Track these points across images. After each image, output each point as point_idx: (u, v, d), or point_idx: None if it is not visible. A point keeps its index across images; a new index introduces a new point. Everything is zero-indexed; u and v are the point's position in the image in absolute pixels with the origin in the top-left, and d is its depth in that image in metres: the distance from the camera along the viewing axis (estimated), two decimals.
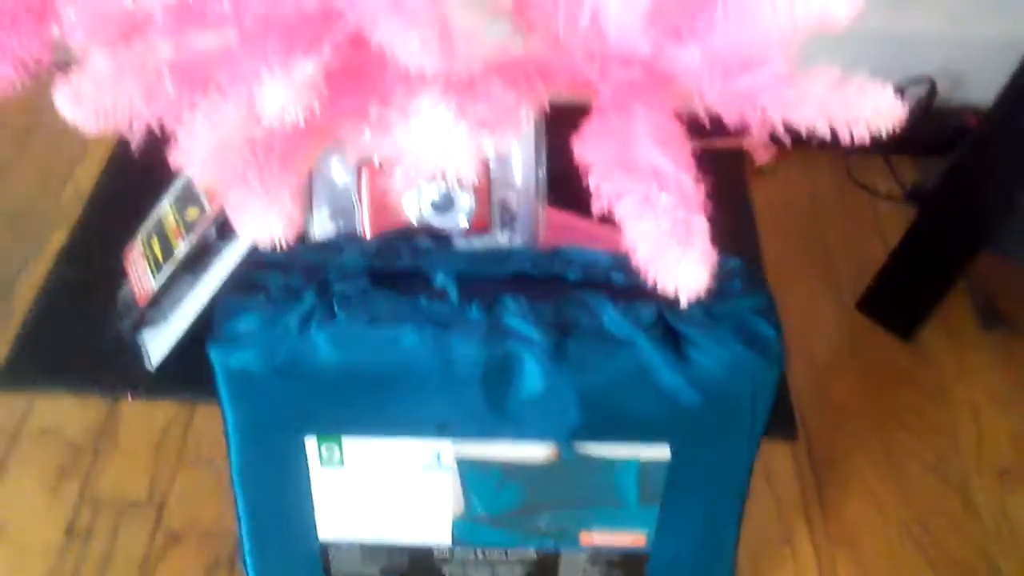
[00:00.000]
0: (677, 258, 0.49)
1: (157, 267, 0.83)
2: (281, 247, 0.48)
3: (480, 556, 0.66)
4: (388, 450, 0.60)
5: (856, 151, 1.11)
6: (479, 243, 0.78)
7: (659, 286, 0.50)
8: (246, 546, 0.66)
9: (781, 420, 0.87)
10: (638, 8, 0.46)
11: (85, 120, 0.46)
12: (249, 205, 0.46)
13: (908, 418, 0.89)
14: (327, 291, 0.56)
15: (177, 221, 0.82)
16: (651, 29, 0.49)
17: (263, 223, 0.46)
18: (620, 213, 0.51)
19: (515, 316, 0.56)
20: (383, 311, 0.56)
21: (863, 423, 0.88)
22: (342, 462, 0.60)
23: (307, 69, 0.45)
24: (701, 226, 0.50)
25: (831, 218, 1.09)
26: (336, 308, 0.56)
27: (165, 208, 0.85)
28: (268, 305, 0.56)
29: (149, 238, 0.85)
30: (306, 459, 0.60)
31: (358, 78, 0.51)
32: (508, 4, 0.55)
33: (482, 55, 0.50)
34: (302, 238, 0.53)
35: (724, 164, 0.83)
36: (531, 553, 0.66)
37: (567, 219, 0.85)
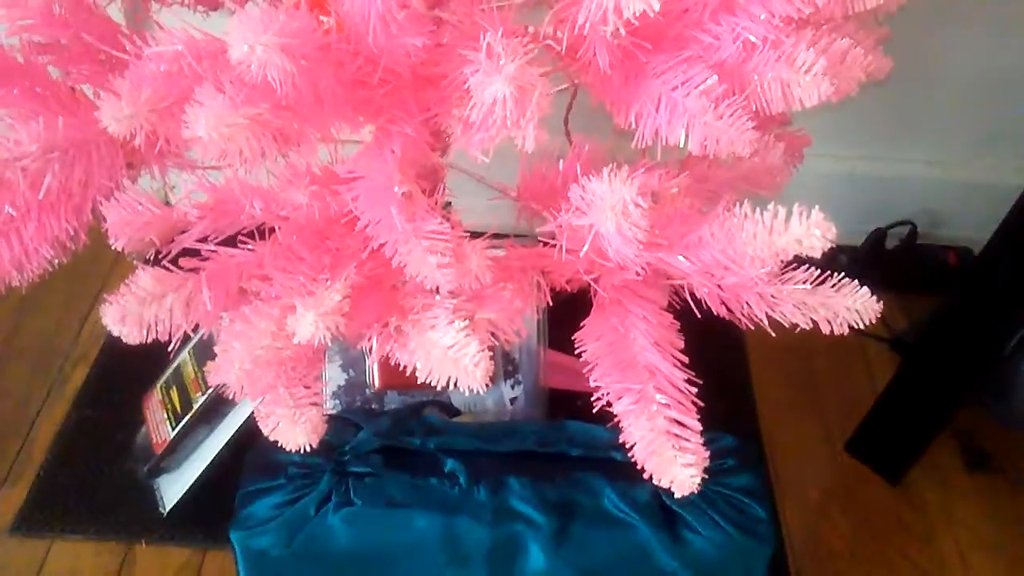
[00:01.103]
0: (671, 459, 0.53)
1: (176, 418, 0.86)
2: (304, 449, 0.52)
3: None
4: None
5: None
6: (484, 395, 0.82)
7: (655, 480, 0.54)
8: None
9: (776, 566, 0.89)
10: (634, 239, 0.51)
11: (129, 334, 0.51)
12: (278, 414, 0.50)
13: (898, 565, 0.91)
14: (343, 474, 0.60)
15: (196, 372, 0.86)
16: (645, 249, 0.54)
17: (290, 432, 0.50)
18: (619, 410, 0.55)
19: (520, 499, 0.59)
20: (396, 495, 0.59)
21: (856, 570, 0.90)
22: None
23: (335, 297, 0.49)
24: (693, 426, 0.54)
25: (820, 356, 1.13)
26: (352, 492, 0.59)
27: (185, 358, 0.89)
28: (287, 487, 0.59)
29: (168, 387, 0.89)
30: None
31: (378, 289, 0.55)
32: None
33: (491, 267, 0.54)
34: None
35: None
36: None
37: (567, 361, 0.89)
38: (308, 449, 0.52)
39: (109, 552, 0.87)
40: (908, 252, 1.20)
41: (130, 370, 0.96)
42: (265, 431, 0.51)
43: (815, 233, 0.47)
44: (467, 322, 0.51)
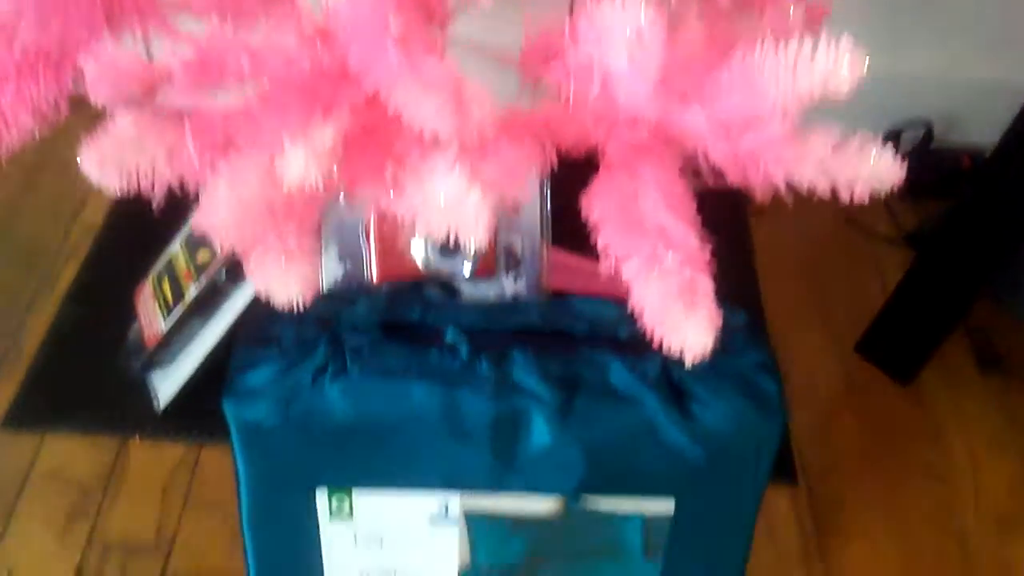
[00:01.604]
0: (682, 320, 0.50)
1: (167, 309, 0.84)
2: (297, 305, 0.49)
3: None
4: (397, 503, 0.60)
5: None
6: (485, 287, 0.79)
7: (664, 346, 0.51)
8: None
9: (782, 466, 0.88)
10: (648, 77, 0.48)
11: (109, 181, 0.48)
12: (269, 267, 0.47)
13: (908, 464, 0.90)
14: (340, 344, 0.57)
15: (188, 263, 0.83)
16: (659, 95, 0.51)
17: (282, 284, 0.48)
18: (627, 273, 0.52)
19: (524, 372, 0.57)
20: (394, 365, 0.57)
21: (864, 470, 0.89)
22: (351, 514, 0.61)
23: (327, 136, 0.46)
24: (706, 287, 0.52)
25: (829, 259, 1.10)
26: (348, 362, 0.57)
27: (176, 250, 0.86)
28: (281, 358, 0.57)
29: (160, 279, 0.86)
30: (316, 511, 0.61)
31: (374, 139, 0.52)
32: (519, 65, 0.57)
33: (494, 119, 0.51)
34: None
35: (724, 204, 0.84)
36: None
37: (571, 260, 0.87)
38: (301, 308, 0.50)
39: (102, 447, 0.85)
40: (922, 156, 1.17)
41: (122, 265, 0.93)
42: (255, 285, 0.49)
43: (843, 65, 0.43)
44: (467, 169, 0.48)
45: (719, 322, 0.50)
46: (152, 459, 0.85)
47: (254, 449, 0.58)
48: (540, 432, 0.57)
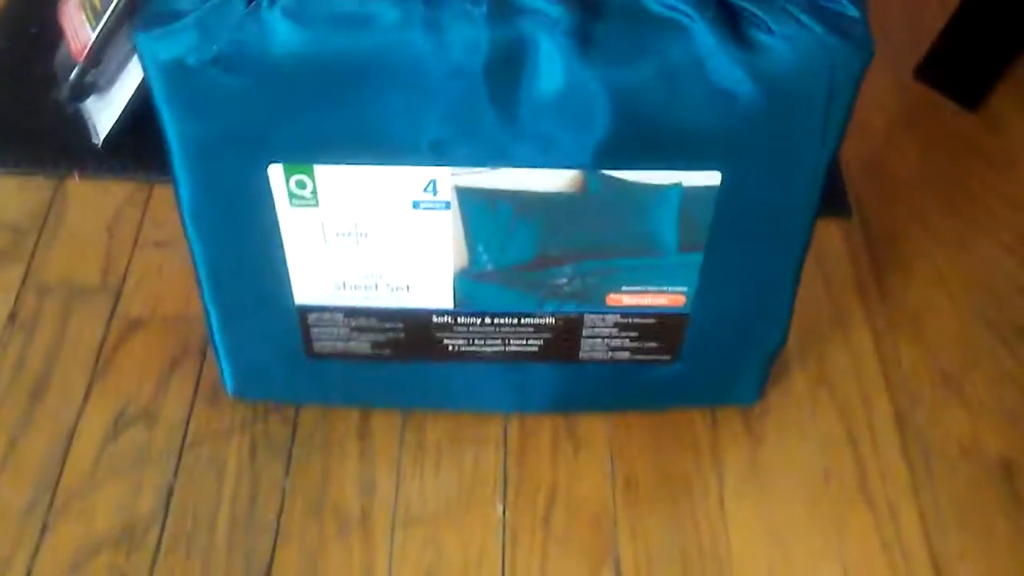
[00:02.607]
0: None
1: (96, 15, 0.69)
2: None
3: (488, 323, 0.56)
4: (371, 181, 0.48)
5: None
6: None
7: None
8: (210, 314, 0.56)
9: (832, 195, 0.75)
10: None
11: None
12: None
13: (978, 193, 0.77)
14: None
15: None
16: None
17: None
18: None
19: None
20: None
21: (926, 199, 0.76)
22: (315, 198, 0.49)
23: None
24: None
25: None
26: None
27: None
28: None
29: None
30: (271, 195, 0.49)
31: None
32: None
33: None
34: None
35: None
36: (548, 319, 0.55)
37: None
38: None
39: (36, 188, 0.73)
40: None
41: None
42: None
43: None
44: None
45: None
46: (95, 199, 0.73)
47: (181, 103, 0.45)
48: (551, 69, 0.43)
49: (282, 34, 0.43)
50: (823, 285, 0.71)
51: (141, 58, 0.43)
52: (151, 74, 0.44)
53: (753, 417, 0.63)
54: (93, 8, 0.70)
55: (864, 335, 0.68)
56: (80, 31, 0.70)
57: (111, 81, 0.72)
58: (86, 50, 0.69)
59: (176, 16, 0.42)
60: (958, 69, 0.83)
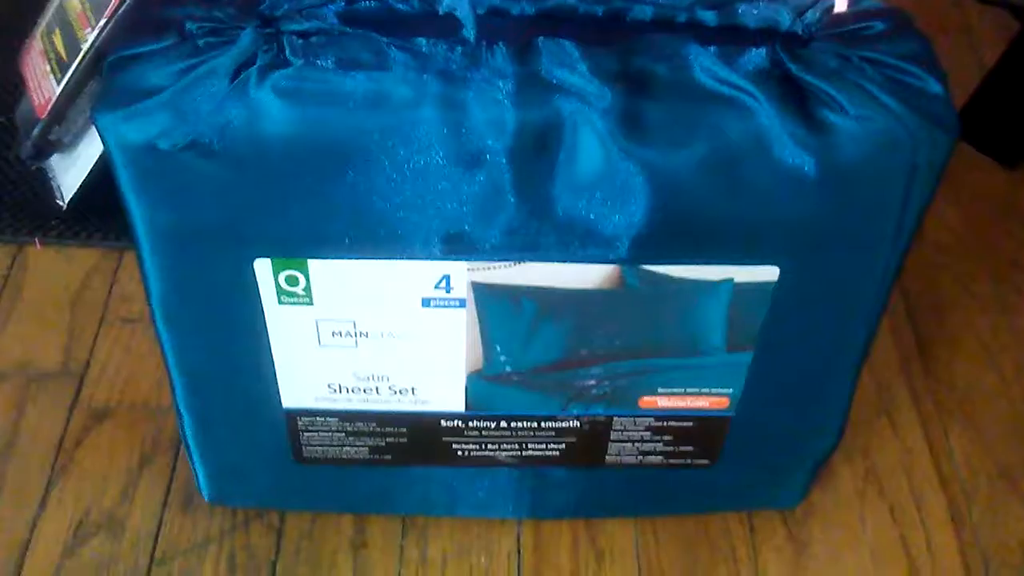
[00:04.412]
0: None
1: (61, 67, 0.62)
2: None
3: (504, 427, 0.49)
4: (375, 276, 0.41)
5: None
6: None
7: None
8: (183, 418, 0.49)
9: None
10: None
11: None
12: None
13: (1018, 256, 0.71)
14: (274, 27, 0.37)
15: (83, 3, 0.62)
16: None
17: None
18: None
19: (561, 63, 0.37)
20: (361, 56, 0.36)
21: (967, 266, 0.71)
22: (309, 296, 0.42)
23: None
24: None
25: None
26: (288, 52, 0.36)
27: None
28: (183, 48, 0.36)
29: (50, 31, 0.64)
30: (257, 292, 0.42)
31: None
32: None
33: None
34: None
35: None
36: (572, 422, 0.49)
37: None
38: None
39: None
40: None
41: (7, 36, 0.71)
42: None
43: None
44: None
45: None
46: (59, 266, 0.66)
47: (151, 192, 0.38)
48: (587, 153, 0.37)
49: (273, 115, 0.36)
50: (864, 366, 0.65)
51: (104, 141, 0.37)
52: (115, 159, 0.37)
53: (795, 521, 0.57)
54: (58, 59, 0.63)
55: (912, 421, 0.62)
56: (43, 83, 0.63)
57: (78, 137, 0.65)
58: (50, 105, 0.62)
59: (146, 94, 0.36)
60: (996, 127, 0.77)
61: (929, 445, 0.61)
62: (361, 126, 0.36)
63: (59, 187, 0.66)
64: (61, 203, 0.66)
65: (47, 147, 0.65)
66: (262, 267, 0.41)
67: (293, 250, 0.40)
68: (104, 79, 0.37)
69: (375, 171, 0.37)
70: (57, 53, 0.63)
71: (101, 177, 0.65)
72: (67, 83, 0.61)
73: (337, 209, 0.38)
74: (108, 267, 0.66)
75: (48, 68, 0.64)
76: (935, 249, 0.72)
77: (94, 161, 0.64)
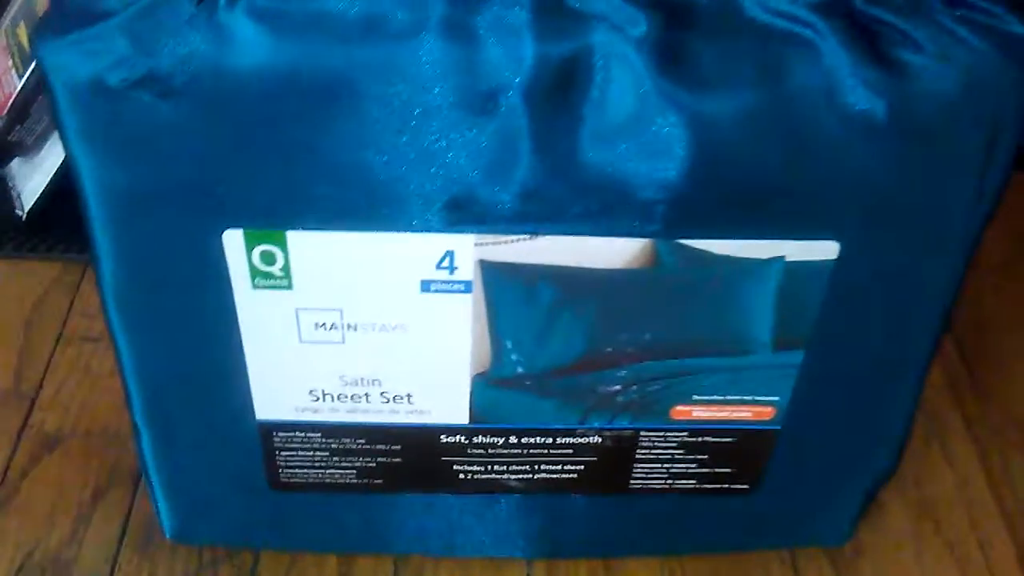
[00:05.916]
0: None
1: (24, 62, 0.57)
2: None
3: (513, 444, 0.42)
4: (365, 253, 0.35)
5: None
6: None
7: None
8: (141, 435, 0.42)
9: None
10: None
11: None
12: None
13: None
14: None
15: None
16: None
17: None
18: None
19: None
20: None
21: (1014, 284, 0.65)
22: (288, 277, 0.36)
23: None
24: None
25: None
26: None
27: None
28: None
29: (15, 25, 0.59)
30: (227, 273, 0.36)
31: None
32: None
33: None
34: None
35: None
36: (593, 438, 0.42)
37: None
38: None
39: None
40: None
41: None
42: None
43: None
44: None
45: None
46: (13, 282, 0.60)
47: (100, 143, 0.32)
48: (619, 96, 0.31)
49: (246, 44, 0.30)
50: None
51: (44, 77, 0.31)
52: (59, 100, 0.31)
53: (844, 561, 0.50)
54: (21, 52, 0.57)
55: (967, 449, 0.55)
56: (4, 79, 0.58)
57: (41, 141, 0.59)
58: (10, 102, 0.57)
59: (96, 17, 0.30)
60: None
61: (987, 473, 0.54)
62: (349, 58, 0.30)
63: (19, 195, 0.61)
64: (20, 213, 0.60)
65: (8, 149, 0.59)
66: (232, 240, 0.35)
67: (269, 219, 0.34)
68: (47, 10, 0.31)
69: (367, 116, 0.31)
70: (21, 47, 0.58)
71: (59, 186, 0.59)
72: (30, 76, 0.56)
73: (321, 164, 0.33)
74: (70, 282, 0.59)
75: (10, 63, 0.58)
76: (978, 264, 0.66)
77: (57, 167, 0.59)
